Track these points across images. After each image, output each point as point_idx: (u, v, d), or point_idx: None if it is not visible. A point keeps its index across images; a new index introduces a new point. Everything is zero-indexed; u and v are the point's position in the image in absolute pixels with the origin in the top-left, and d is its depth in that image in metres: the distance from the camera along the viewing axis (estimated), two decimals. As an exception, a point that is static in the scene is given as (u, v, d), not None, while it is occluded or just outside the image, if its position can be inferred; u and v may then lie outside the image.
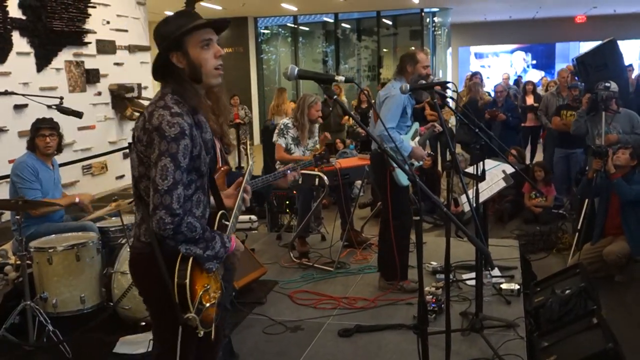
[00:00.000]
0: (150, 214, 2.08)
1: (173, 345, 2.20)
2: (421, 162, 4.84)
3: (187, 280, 2.07)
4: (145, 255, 2.17)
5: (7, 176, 5.85)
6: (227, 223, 2.36)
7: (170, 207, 2.04)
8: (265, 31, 18.49)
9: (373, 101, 7.18)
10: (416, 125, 4.79)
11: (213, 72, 2.21)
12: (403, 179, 4.42)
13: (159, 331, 2.34)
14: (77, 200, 4.64)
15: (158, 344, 2.36)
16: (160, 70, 2.22)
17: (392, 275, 4.68)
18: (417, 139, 4.77)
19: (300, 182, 5.51)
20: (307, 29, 18.89)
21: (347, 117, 10.12)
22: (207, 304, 2.15)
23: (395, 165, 4.34)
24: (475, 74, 11.82)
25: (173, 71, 2.18)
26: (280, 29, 18.72)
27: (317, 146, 5.70)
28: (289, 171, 4.42)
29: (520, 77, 17.35)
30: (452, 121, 10.77)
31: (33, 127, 4.58)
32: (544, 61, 23.89)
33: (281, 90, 11.56)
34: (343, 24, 18.16)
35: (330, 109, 9.76)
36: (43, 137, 4.53)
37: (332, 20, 17.88)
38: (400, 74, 4.61)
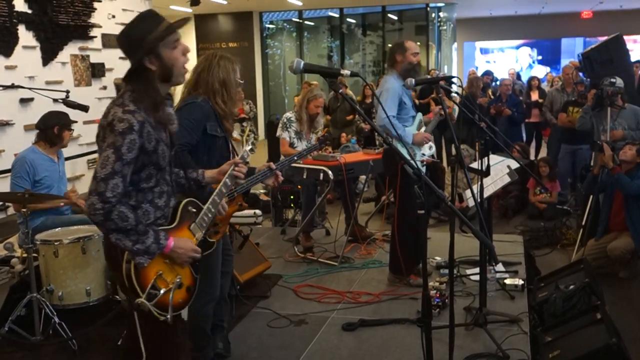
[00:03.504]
0: (86, 198, 2.19)
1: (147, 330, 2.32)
2: (433, 149, 4.79)
3: (132, 268, 2.18)
4: (112, 245, 2.26)
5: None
6: (193, 210, 2.45)
7: (103, 194, 2.13)
8: (270, 26, 18.47)
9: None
10: (419, 115, 4.79)
11: (182, 71, 2.34)
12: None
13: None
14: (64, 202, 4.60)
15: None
16: (133, 74, 2.29)
17: (400, 269, 4.70)
18: (423, 128, 4.76)
19: (305, 176, 5.53)
20: (312, 23, 18.86)
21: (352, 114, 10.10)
22: (163, 289, 2.23)
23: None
24: (487, 73, 11.80)
25: (144, 74, 2.26)
26: (285, 24, 18.70)
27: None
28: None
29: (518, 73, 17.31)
30: (455, 116, 10.76)
31: (59, 119, 4.60)
32: (550, 57, 23.79)
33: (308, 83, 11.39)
34: (348, 19, 18.13)
35: (339, 104, 9.76)
36: (70, 130, 4.63)
37: (337, 15, 17.85)
38: (391, 66, 4.62)
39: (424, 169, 4.59)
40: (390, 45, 17.94)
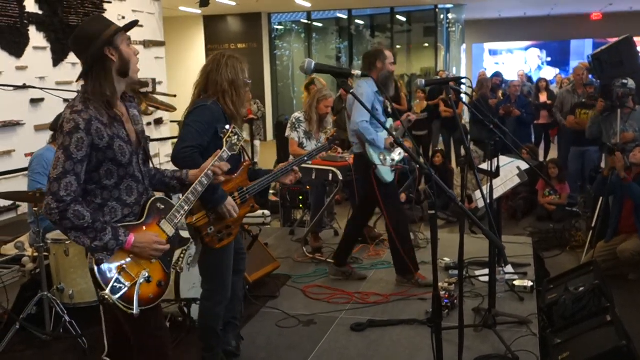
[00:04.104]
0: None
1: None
2: (402, 155, 4.81)
3: (94, 262, 2.24)
4: None
5: (23, 169, 5.90)
6: (162, 207, 2.48)
7: (57, 194, 2.19)
8: (279, 27, 18.50)
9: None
10: (390, 121, 4.82)
11: (135, 68, 2.41)
12: (386, 175, 4.52)
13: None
14: None
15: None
16: (92, 65, 2.32)
17: (405, 270, 4.70)
18: (394, 133, 4.79)
19: (314, 177, 5.54)
20: (320, 25, 18.88)
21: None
22: (128, 283, 2.28)
23: (377, 163, 4.42)
24: (496, 75, 11.79)
25: (104, 64, 2.32)
26: (293, 25, 18.72)
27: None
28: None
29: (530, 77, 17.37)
30: (466, 117, 10.75)
31: None
32: (559, 58, 23.73)
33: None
34: (357, 20, 18.13)
35: (344, 105, 9.76)
36: None
37: (345, 17, 17.86)
38: (368, 72, 4.62)
39: (393, 175, 4.64)
40: (398, 46, 17.96)
